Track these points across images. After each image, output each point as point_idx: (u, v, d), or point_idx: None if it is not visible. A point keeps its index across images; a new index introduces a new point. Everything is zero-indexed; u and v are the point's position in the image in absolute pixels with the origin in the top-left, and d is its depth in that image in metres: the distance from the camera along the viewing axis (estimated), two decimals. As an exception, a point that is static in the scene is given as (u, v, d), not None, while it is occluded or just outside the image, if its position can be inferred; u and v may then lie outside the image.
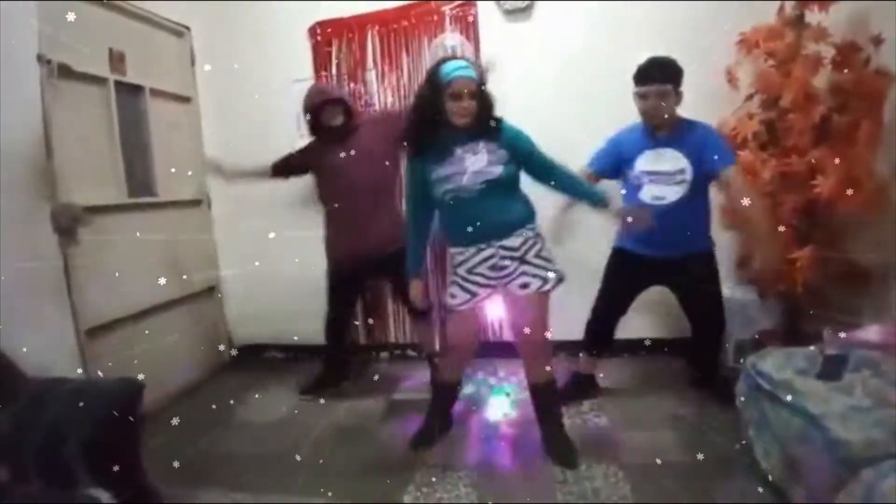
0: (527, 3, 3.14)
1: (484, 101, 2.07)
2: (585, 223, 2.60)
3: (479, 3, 3.21)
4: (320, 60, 3.42)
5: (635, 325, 2.85)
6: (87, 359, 2.53)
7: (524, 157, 2.12)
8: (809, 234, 2.59)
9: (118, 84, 2.89)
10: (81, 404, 1.68)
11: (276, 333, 3.75)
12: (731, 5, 2.80)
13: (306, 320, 3.59)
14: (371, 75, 3.37)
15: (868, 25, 2.46)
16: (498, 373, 3.17)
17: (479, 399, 2.85)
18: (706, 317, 2.61)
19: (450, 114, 2.03)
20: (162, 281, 2.94)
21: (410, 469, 2.26)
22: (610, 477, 2.10)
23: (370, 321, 3.59)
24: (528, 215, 2.18)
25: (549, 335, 2.20)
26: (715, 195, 2.54)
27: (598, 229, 2.57)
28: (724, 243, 2.68)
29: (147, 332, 2.94)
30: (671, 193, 2.40)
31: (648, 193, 2.45)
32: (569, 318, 2.68)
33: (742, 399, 2.13)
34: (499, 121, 2.11)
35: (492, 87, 2.14)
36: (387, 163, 2.80)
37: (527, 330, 2.16)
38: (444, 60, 2.09)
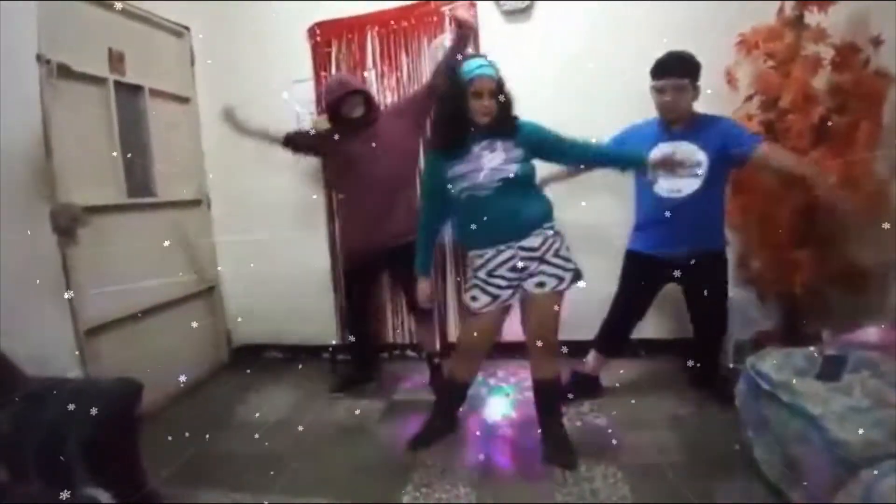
0: (526, 3, 3.14)
1: (503, 101, 2.05)
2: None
3: (478, 3, 3.21)
4: (320, 61, 3.41)
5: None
6: (86, 359, 2.54)
7: (545, 146, 2.11)
8: (809, 234, 2.59)
9: (117, 84, 2.89)
10: (80, 404, 1.68)
11: (275, 333, 3.75)
12: (731, 6, 2.80)
13: (306, 320, 3.61)
14: (370, 76, 3.36)
15: (867, 26, 2.46)
16: (497, 373, 3.16)
17: (479, 399, 2.84)
18: (710, 318, 2.61)
19: (471, 112, 2.02)
20: (161, 281, 2.95)
21: (409, 469, 2.25)
22: (609, 477, 2.10)
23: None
24: (547, 213, 2.15)
25: (558, 333, 2.19)
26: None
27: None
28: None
29: (146, 332, 2.94)
30: (687, 186, 2.40)
31: (664, 186, 2.45)
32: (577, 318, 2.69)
33: (741, 399, 2.14)
34: (516, 119, 2.10)
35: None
36: (405, 156, 2.81)
37: (537, 325, 2.16)
38: (466, 58, 2.09)
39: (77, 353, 2.52)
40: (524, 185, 2.10)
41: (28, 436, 1.60)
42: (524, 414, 2.59)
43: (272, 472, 2.28)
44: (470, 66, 2.02)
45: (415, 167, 2.96)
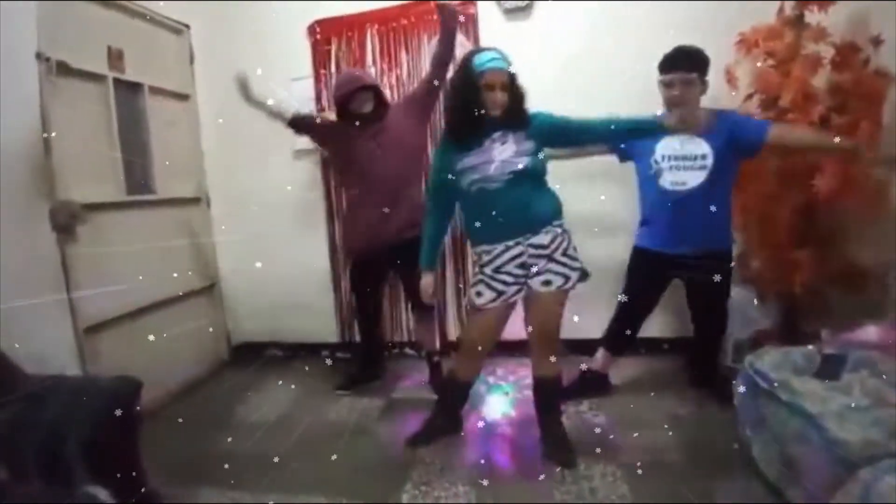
0: (526, 2, 3.14)
1: (515, 93, 2.04)
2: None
3: (478, 2, 3.21)
4: (319, 59, 3.41)
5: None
6: (85, 356, 2.54)
7: (557, 132, 2.09)
8: (808, 233, 2.59)
9: (117, 81, 2.88)
10: (80, 402, 1.68)
11: (275, 331, 3.75)
12: (731, 5, 2.80)
13: (306, 318, 3.61)
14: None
15: (867, 26, 2.46)
16: (496, 371, 3.16)
17: (478, 397, 2.84)
18: (711, 317, 2.61)
19: (482, 105, 2.00)
20: (160, 279, 2.94)
21: (408, 468, 2.26)
22: (608, 476, 2.11)
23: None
24: (557, 210, 2.13)
25: (560, 330, 2.19)
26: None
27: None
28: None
29: (146, 329, 2.93)
30: (692, 179, 2.40)
31: (668, 179, 2.45)
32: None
33: (740, 398, 2.14)
34: (528, 112, 2.09)
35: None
36: (410, 153, 2.80)
37: (540, 323, 2.16)
38: (478, 51, 2.06)
39: (76, 351, 2.52)
40: (535, 179, 2.08)
41: (27, 434, 1.60)
42: (523, 412, 2.59)
43: (271, 471, 2.28)
44: (481, 59, 2.00)
45: (420, 164, 2.95)
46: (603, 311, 2.76)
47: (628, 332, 2.71)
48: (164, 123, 3.23)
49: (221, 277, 3.71)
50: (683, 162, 2.42)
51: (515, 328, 2.25)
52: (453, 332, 3.47)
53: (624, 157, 2.70)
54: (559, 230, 2.10)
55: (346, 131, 2.76)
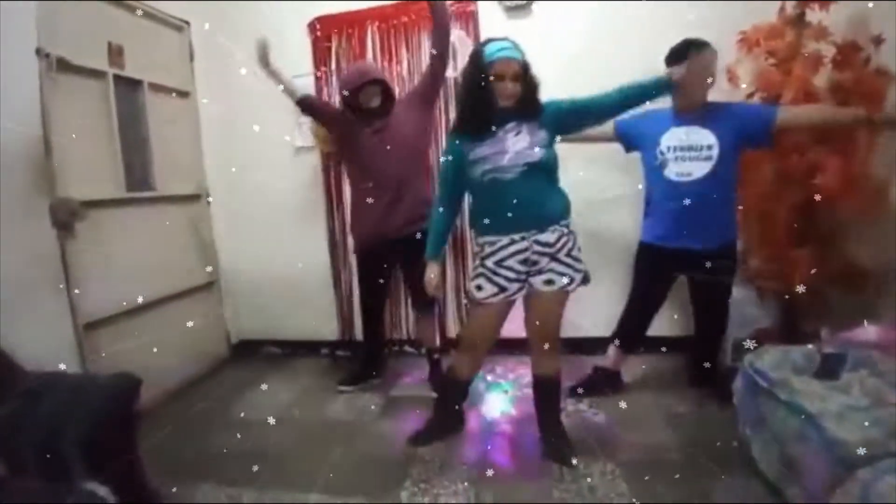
0: (527, 0, 3.14)
1: (528, 84, 2.02)
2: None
3: (479, 0, 3.21)
4: (320, 55, 3.41)
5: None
6: (84, 353, 2.53)
7: (568, 116, 2.06)
8: (808, 233, 2.59)
9: (117, 78, 2.87)
10: (79, 400, 1.68)
11: (274, 329, 3.75)
12: (733, 4, 2.80)
13: (305, 316, 3.61)
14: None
15: (868, 25, 2.45)
16: (496, 369, 3.17)
17: (477, 395, 2.85)
18: (713, 314, 2.62)
19: (492, 95, 1.98)
20: (160, 276, 2.94)
21: (408, 465, 2.26)
22: (607, 474, 2.11)
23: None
24: (565, 209, 2.11)
25: (560, 330, 2.18)
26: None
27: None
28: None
29: (145, 327, 2.93)
30: (697, 169, 2.40)
31: (674, 170, 2.45)
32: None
33: (739, 397, 2.14)
34: (541, 103, 2.06)
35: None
36: (416, 148, 2.79)
37: (540, 322, 2.15)
38: (489, 41, 2.04)
39: (76, 348, 2.52)
40: (548, 173, 2.06)
41: (26, 431, 1.60)
42: (523, 410, 2.60)
43: (271, 468, 2.28)
44: (491, 49, 1.98)
45: (424, 159, 2.95)
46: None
47: (637, 328, 2.72)
48: (164, 120, 3.22)
49: (221, 274, 3.71)
50: (689, 152, 2.42)
51: (515, 326, 2.25)
52: (453, 330, 3.47)
53: (630, 147, 2.70)
54: (566, 230, 2.09)
55: (352, 124, 2.76)
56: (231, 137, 3.59)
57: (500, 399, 2.83)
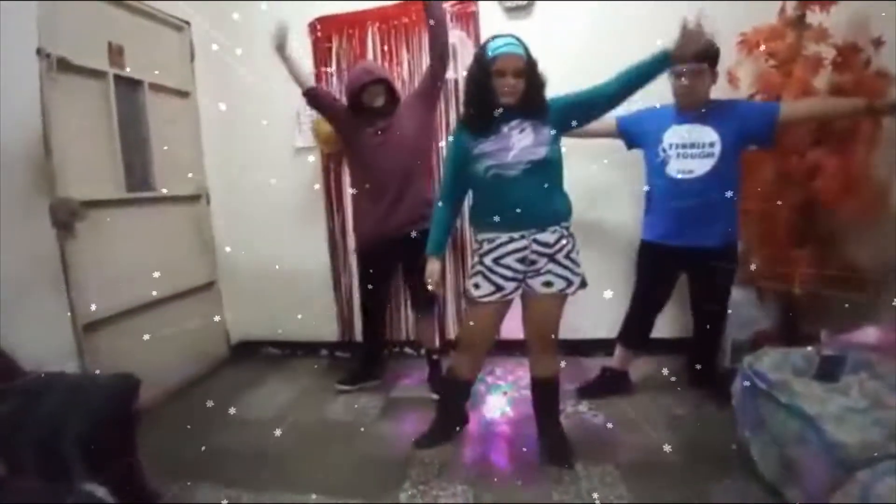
0: (527, 1, 3.14)
1: (533, 81, 2.00)
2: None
3: (480, 0, 3.21)
4: (320, 56, 3.41)
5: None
6: (83, 354, 2.53)
7: (573, 110, 2.04)
8: (808, 234, 2.59)
9: (117, 78, 2.87)
10: (78, 400, 1.68)
11: (274, 329, 3.75)
12: (733, 5, 2.79)
13: (305, 316, 3.60)
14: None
15: (869, 27, 2.46)
16: (495, 371, 3.17)
17: (476, 397, 2.84)
18: (712, 314, 2.62)
19: (492, 91, 1.97)
20: (160, 276, 2.93)
21: (407, 466, 2.26)
22: (606, 477, 2.11)
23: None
24: (567, 212, 2.11)
25: (558, 332, 2.18)
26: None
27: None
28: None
29: (144, 327, 2.93)
30: (699, 167, 2.40)
31: (675, 167, 2.45)
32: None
33: (738, 399, 2.14)
34: (546, 100, 2.04)
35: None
36: (418, 148, 2.78)
37: (539, 324, 2.15)
38: (495, 37, 2.02)
39: (75, 348, 2.51)
40: (552, 172, 2.04)
41: (25, 431, 1.60)
42: (522, 412, 2.60)
43: (270, 469, 2.28)
44: (494, 45, 1.97)
45: (426, 160, 2.95)
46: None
47: (642, 327, 2.72)
48: (165, 120, 3.22)
49: (221, 275, 3.71)
50: (691, 150, 2.42)
51: (514, 327, 2.25)
52: (453, 331, 3.47)
53: (632, 144, 2.70)
54: (566, 232, 2.08)
55: (356, 122, 2.76)
56: (231, 138, 3.59)
57: (499, 401, 2.82)
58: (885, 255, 2.40)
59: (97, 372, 2.42)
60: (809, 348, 2.09)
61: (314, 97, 2.83)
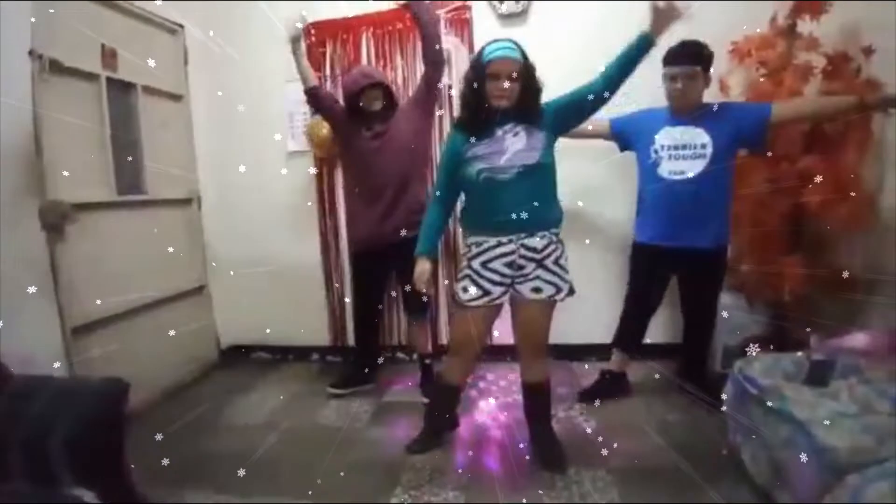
0: (522, 6, 3.16)
1: (529, 85, 2.01)
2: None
3: (473, 6, 3.22)
4: (314, 61, 3.39)
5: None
6: (72, 357, 2.51)
7: (566, 111, 2.05)
8: (797, 241, 2.61)
9: (109, 80, 2.86)
10: (67, 404, 1.66)
11: (264, 334, 3.72)
12: (725, 14, 2.82)
13: (296, 321, 3.59)
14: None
15: (859, 36, 2.48)
16: (486, 376, 3.16)
17: (468, 402, 2.83)
18: (701, 318, 2.63)
19: (485, 94, 1.98)
20: (150, 280, 2.92)
21: (398, 471, 2.25)
22: (597, 481, 2.11)
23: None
24: (557, 218, 2.11)
25: (548, 338, 2.18)
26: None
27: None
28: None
29: (134, 331, 2.91)
30: (690, 168, 2.41)
31: (667, 168, 2.47)
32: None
33: (729, 404, 2.14)
34: (540, 106, 2.05)
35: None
36: (415, 152, 2.78)
37: (528, 330, 2.15)
38: (492, 41, 2.02)
39: (64, 351, 2.49)
40: (544, 177, 2.05)
41: (12, 434, 1.58)
42: (513, 417, 2.59)
43: (260, 474, 2.26)
44: (490, 49, 1.98)
45: (423, 164, 2.96)
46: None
47: (636, 329, 2.73)
48: (157, 124, 3.21)
49: (211, 279, 3.69)
50: (683, 151, 2.44)
51: (505, 332, 2.25)
52: (445, 336, 3.46)
53: (624, 146, 2.71)
54: (555, 238, 2.09)
55: (353, 126, 2.76)
56: (223, 141, 3.58)
57: (490, 405, 2.82)
58: (874, 261, 2.42)
59: (86, 376, 2.40)
60: (799, 353, 2.10)
61: (315, 96, 2.82)
